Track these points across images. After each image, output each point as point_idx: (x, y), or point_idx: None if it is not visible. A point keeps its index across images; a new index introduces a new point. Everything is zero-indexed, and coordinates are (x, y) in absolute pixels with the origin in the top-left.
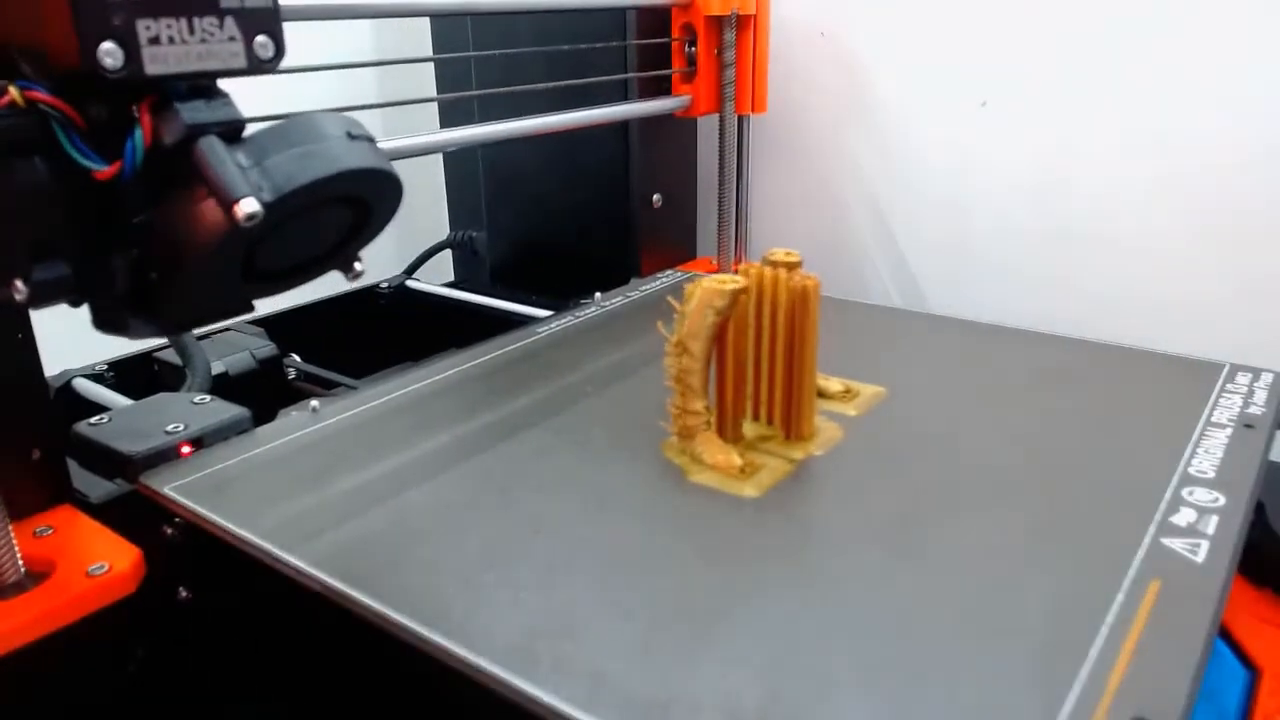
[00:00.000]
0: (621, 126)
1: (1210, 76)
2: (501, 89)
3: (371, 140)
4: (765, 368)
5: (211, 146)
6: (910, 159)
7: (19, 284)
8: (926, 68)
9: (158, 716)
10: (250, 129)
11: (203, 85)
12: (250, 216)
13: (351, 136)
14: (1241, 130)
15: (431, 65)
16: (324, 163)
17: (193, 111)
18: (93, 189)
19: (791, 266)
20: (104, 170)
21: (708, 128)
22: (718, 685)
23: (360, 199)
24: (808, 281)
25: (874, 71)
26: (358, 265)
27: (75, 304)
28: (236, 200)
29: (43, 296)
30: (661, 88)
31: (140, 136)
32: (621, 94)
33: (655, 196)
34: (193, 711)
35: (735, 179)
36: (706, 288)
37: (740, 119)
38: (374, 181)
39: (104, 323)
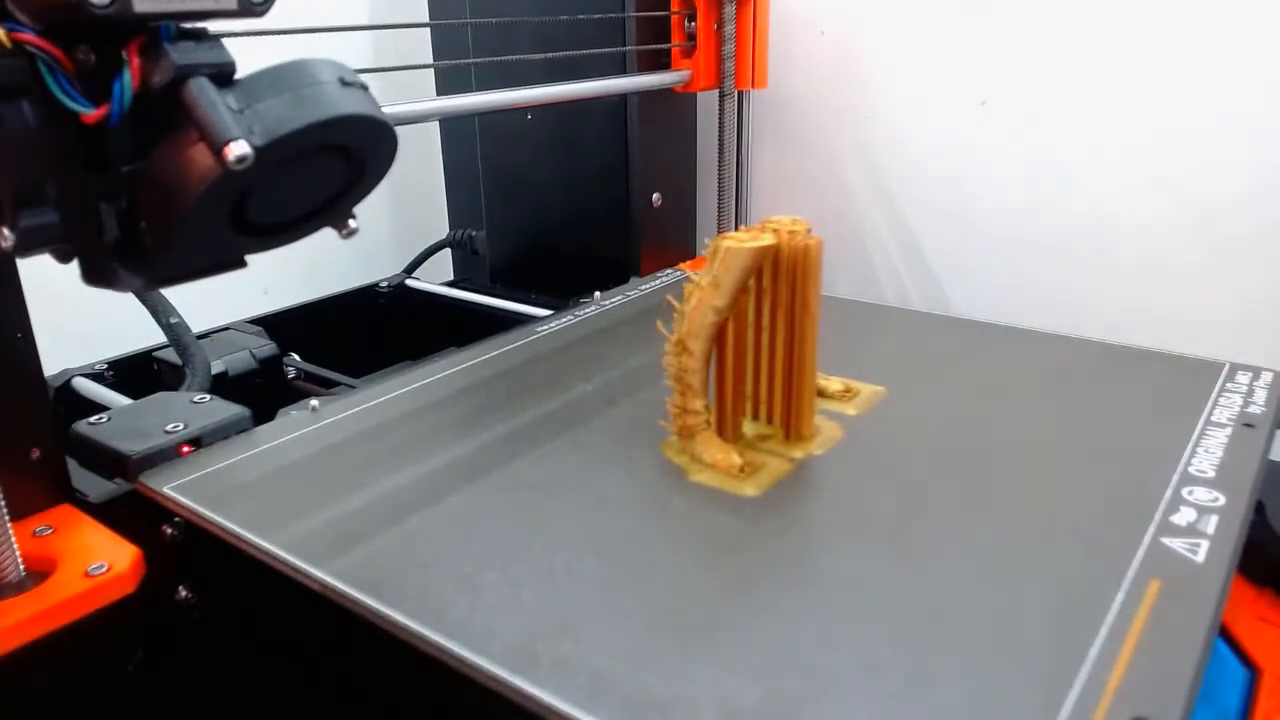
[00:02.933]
0: (621, 124)
1: (1211, 75)
2: (498, 58)
3: (365, 88)
4: (765, 365)
5: (202, 88)
6: (911, 156)
7: (5, 231)
8: (927, 64)
9: (158, 716)
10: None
11: (193, 28)
12: (241, 159)
13: (345, 83)
14: (1243, 130)
15: (429, 36)
16: (317, 108)
17: (182, 53)
18: (81, 134)
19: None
20: (91, 113)
21: (706, 127)
22: (717, 685)
23: (353, 149)
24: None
25: (874, 66)
26: (352, 222)
27: (64, 258)
28: (227, 142)
29: (30, 244)
30: (661, 62)
31: (128, 77)
32: (620, 70)
33: (655, 196)
34: (193, 711)
35: (735, 156)
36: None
37: (740, 94)
38: (367, 130)
39: (93, 275)
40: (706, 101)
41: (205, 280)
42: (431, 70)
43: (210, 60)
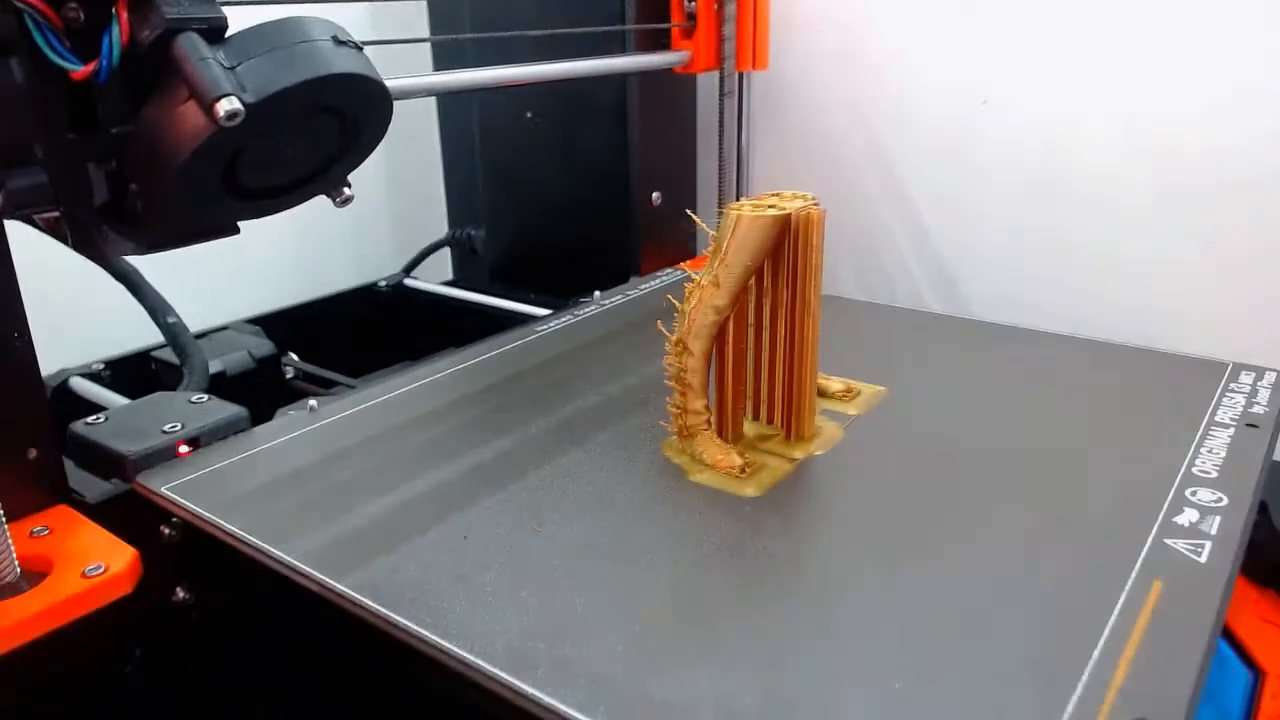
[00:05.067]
0: (621, 123)
1: (1214, 74)
2: (496, 34)
3: (359, 48)
4: (765, 365)
5: (191, 43)
6: (912, 155)
7: None
8: (928, 63)
9: (156, 716)
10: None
11: None
12: (232, 115)
13: (339, 42)
14: (1245, 130)
15: (425, 12)
16: (310, 66)
17: (172, 7)
18: (70, 93)
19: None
20: (80, 70)
21: (706, 127)
22: (717, 685)
23: (347, 111)
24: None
25: (875, 66)
26: (347, 190)
27: (54, 225)
28: (218, 98)
29: (18, 204)
30: (661, 44)
31: (117, 32)
32: (620, 50)
33: (655, 195)
34: (191, 711)
35: (736, 139)
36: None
37: (740, 76)
38: (361, 91)
39: (82, 241)
40: (706, 102)
41: (204, 280)
42: (429, 54)
43: (201, 15)
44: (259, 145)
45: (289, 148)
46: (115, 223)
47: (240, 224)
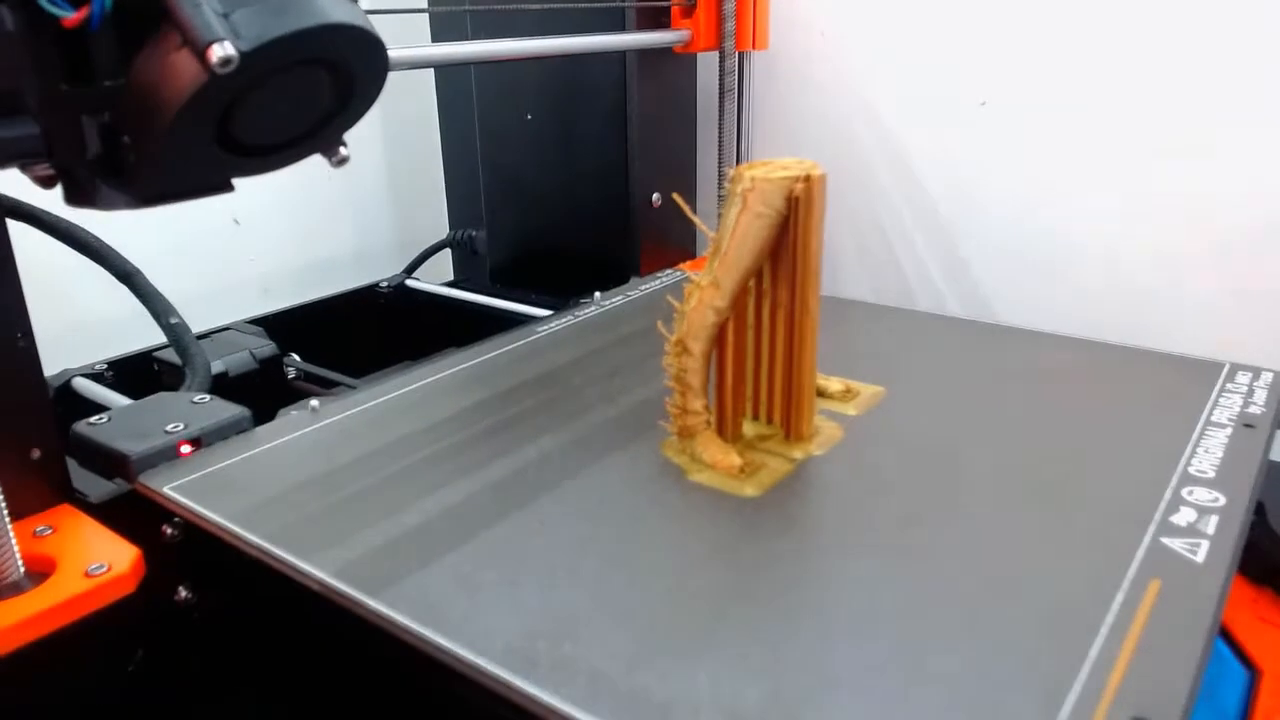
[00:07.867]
0: (621, 123)
1: (1212, 73)
2: (496, 6)
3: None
4: (765, 365)
5: None
6: (911, 156)
7: None
8: (926, 64)
9: (158, 716)
10: None
11: None
12: (225, 61)
13: None
14: (1243, 130)
15: None
16: (305, 14)
17: None
18: (62, 41)
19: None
20: (71, 16)
21: (705, 125)
22: (717, 685)
23: (342, 64)
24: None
25: (874, 67)
26: (343, 150)
27: (47, 182)
28: (210, 44)
29: (8, 154)
30: (660, 23)
31: None
32: (619, 29)
33: (655, 196)
34: (193, 711)
35: (736, 123)
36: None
37: (740, 56)
38: (357, 43)
39: (75, 194)
40: (705, 102)
41: (205, 281)
42: (428, 31)
43: None
44: (253, 98)
45: (283, 104)
46: (108, 176)
47: (240, 223)
